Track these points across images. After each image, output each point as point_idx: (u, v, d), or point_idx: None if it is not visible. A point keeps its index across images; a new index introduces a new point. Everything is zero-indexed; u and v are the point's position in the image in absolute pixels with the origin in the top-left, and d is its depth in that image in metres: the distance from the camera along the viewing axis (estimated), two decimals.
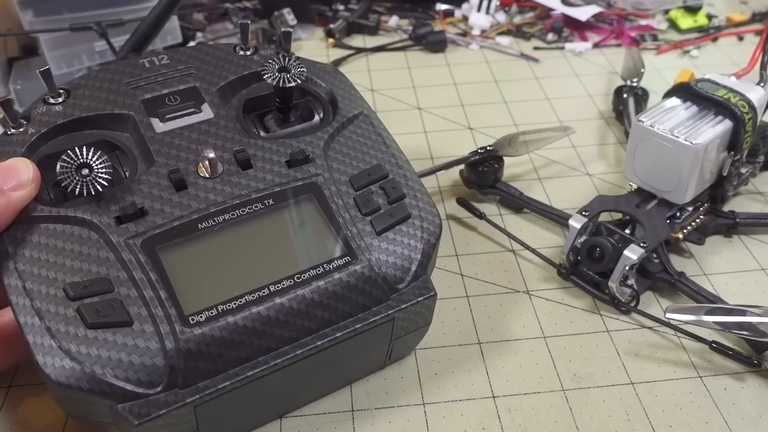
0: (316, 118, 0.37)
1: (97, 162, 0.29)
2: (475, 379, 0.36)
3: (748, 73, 0.43)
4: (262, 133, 0.36)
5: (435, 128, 0.55)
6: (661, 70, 0.62)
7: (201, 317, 0.27)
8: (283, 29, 0.37)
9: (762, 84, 0.42)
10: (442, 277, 0.42)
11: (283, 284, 0.29)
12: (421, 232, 0.32)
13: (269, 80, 0.34)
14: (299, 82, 0.34)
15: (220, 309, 0.28)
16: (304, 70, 0.35)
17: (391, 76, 0.62)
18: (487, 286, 0.41)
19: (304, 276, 0.29)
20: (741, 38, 0.68)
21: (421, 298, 0.31)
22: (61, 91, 0.34)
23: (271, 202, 0.31)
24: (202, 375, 0.27)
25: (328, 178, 0.33)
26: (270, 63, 0.35)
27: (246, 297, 0.28)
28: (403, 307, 0.31)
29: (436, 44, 0.66)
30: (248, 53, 0.38)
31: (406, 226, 0.32)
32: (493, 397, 0.35)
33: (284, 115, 0.36)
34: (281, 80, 0.34)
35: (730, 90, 0.41)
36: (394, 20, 0.70)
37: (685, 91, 0.42)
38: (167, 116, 0.34)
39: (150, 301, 0.27)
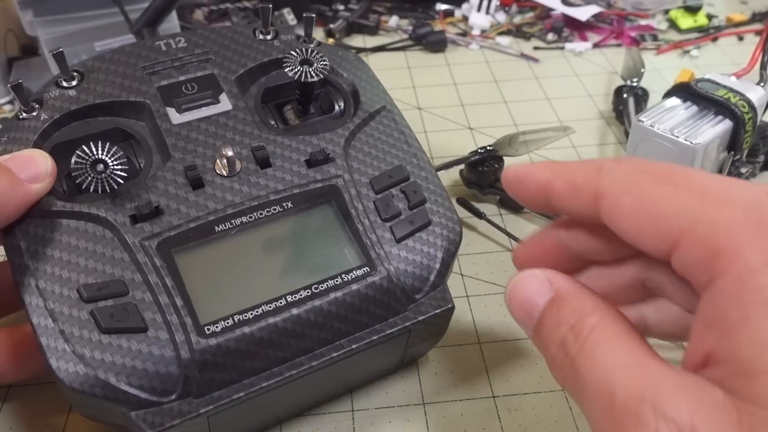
0: (337, 109, 0.36)
1: (112, 159, 0.28)
2: (475, 379, 0.36)
3: (748, 73, 0.43)
4: (281, 126, 0.35)
5: (435, 128, 0.55)
6: (661, 70, 0.62)
7: (217, 327, 0.27)
8: (305, 14, 0.36)
9: (762, 84, 0.42)
10: None
11: (300, 295, 0.28)
12: (441, 240, 0.31)
13: (291, 74, 0.33)
14: (322, 76, 0.33)
15: (236, 319, 0.27)
16: (327, 63, 0.33)
17: (391, 76, 0.62)
18: (487, 286, 0.41)
19: (321, 287, 0.29)
20: (741, 38, 0.68)
21: (439, 311, 0.30)
22: (75, 73, 0.33)
23: (289, 205, 0.30)
24: (217, 385, 0.27)
25: (348, 180, 0.31)
26: (292, 55, 0.33)
27: (263, 308, 0.28)
28: (420, 319, 0.30)
29: (436, 44, 0.66)
30: (268, 38, 0.37)
31: (426, 234, 0.31)
32: (493, 396, 0.35)
33: (304, 107, 0.35)
34: (304, 74, 0.33)
35: (730, 90, 0.41)
36: (394, 20, 0.70)
37: (685, 90, 0.42)
38: (184, 106, 0.33)
39: (165, 308, 0.27)
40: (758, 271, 0.16)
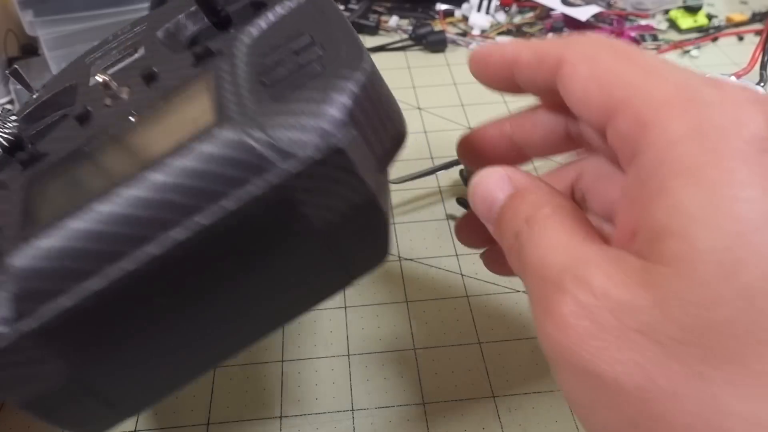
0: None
1: (2, 124, 0.28)
2: (475, 378, 0.36)
3: (748, 73, 0.43)
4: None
5: (435, 128, 0.55)
6: None
7: (41, 233, 0.22)
8: None
9: (762, 84, 0.42)
10: (442, 277, 0.42)
11: (134, 176, 0.22)
12: (337, 81, 0.22)
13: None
14: None
15: (61, 218, 0.22)
16: None
17: (391, 76, 0.62)
18: (488, 286, 0.41)
19: (159, 159, 0.22)
20: (741, 38, 0.68)
21: (320, 156, 0.21)
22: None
23: (161, 103, 0.25)
24: (46, 297, 0.22)
25: (233, 61, 0.25)
26: None
27: (92, 200, 0.22)
28: (294, 172, 0.21)
29: (436, 44, 0.66)
30: None
31: (316, 83, 0.22)
32: (493, 396, 0.35)
33: (217, 19, 0.29)
34: None
35: None
36: (394, 20, 0.70)
37: None
38: (107, 68, 0.30)
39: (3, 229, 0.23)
40: (679, 142, 0.16)
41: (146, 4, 0.46)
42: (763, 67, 0.43)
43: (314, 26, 0.26)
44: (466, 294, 0.41)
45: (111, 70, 0.30)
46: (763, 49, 0.43)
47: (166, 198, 0.22)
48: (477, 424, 0.33)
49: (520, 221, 0.20)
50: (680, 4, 0.71)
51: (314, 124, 0.21)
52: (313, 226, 0.23)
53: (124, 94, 0.27)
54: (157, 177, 0.22)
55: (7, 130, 0.28)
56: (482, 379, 0.36)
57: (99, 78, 0.26)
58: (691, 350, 0.15)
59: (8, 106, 0.30)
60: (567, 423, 0.33)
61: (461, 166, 0.47)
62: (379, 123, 0.23)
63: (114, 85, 0.27)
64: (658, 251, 0.16)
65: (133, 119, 0.25)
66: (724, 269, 0.15)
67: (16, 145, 0.27)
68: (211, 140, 0.21)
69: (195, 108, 0.23)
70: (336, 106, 0.22)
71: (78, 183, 0.24)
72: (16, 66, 0.31)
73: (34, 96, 0.33)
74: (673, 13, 0.70)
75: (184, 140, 0.22)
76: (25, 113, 0.31)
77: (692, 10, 0.69)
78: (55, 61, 0.57)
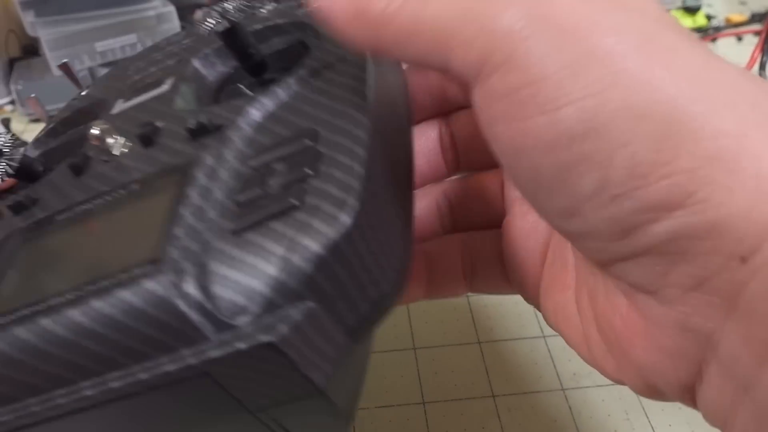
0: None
1: (9, 150, 0.27)
2: (474, 378, 0.36)
3: None
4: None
5: None
6: None
7: None
8: None
9: None
10: None
11: (57, 300, 0.20)
12: (301, 237, 0.18)
13: (203, 30, 0.26)
14: (228, 23, 0.25)
15: None
16: (249, 4, 0.25)
17: None
18: None
19: (89, 288, 0.19)
20: (740, 39, 0.68)
21: (245, 347, 0.17)
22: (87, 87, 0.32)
23: (136, 187, 0.22)
24: None
25: (222, 153, 0.22)
26: (215, 9, 0.26)
27: (18, 311, 0.20)
28: (213, 357, 0.17)
29: None
30: (263, 10, 0.30)
31: (284, 225, 0.19)
32: (493, 396, 0.35)
33: (258, 79, 0.27)
34: (207, 27, 0.25)
35: None
36: None
37: None
38: (132, 96, 0.29)
39: None
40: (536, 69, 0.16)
41: (148, 4, 0.46)
42: (762, 68, 0.43)
43: (331, 116, 0.22)
44: (466, 294, 0.41)
45: (127, 104, 0.28)
46: (762, 50, 0.43)
47: (79, 342, 0.19)
48: (477, 424, 0.34)
49: None
50: (679, 4, 0.71)
51: (261, 289, 0.18)
52: (244, 408, 0.20)
53: (119, 150, 0.25)
54: (74, 314, 0.19)
55: (13, 162, 0.27)
56: (482, 378, 0.36)
57: (95, 131, 0.24)
58: None
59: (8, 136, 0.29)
60: (567, 423, 0.34)
61: None
62: (355, 287, 0.19)
63: (110, 142, 0.25)
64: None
65: (99, 203, 0.23)
66: None
67: (21, 172, 0.27)
68: (136, 290, 0.18)
69: (147, 223, 0.21)
70: (292, 272, 0.18)
71: (23, 272, 0.22)
72: (66, 60, 0.31)
73: (83, 93, 0.32)
74: (672, 14, 0.70)
75: (114, 272, 0.19)
76: (50, 127, 0.31)
77: (691, 10, 0.69)
78: (56, 61, 0.58)
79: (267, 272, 0.18)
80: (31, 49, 0.64)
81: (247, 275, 0.18)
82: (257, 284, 0.18)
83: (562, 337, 0.23)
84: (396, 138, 0.24)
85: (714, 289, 0.15)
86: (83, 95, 0.32)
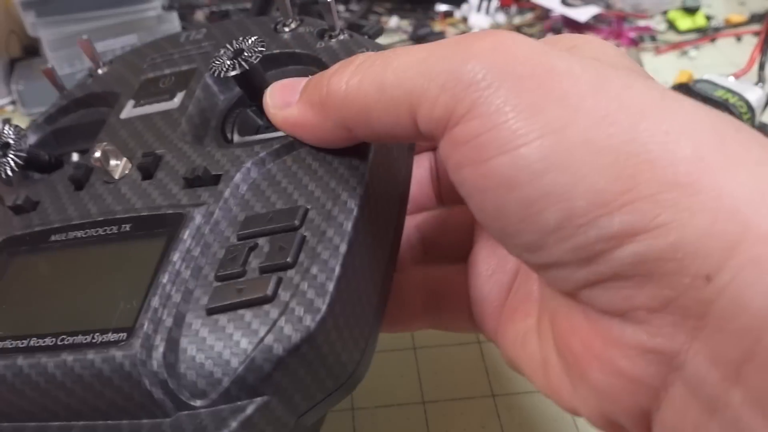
0: None
1: (16, 143, 0.27)
2: (474, 377, 0.36)
3: (746, 74, 0.43)
4: (232, 136, 0.27)
5: None
6: (660, 71, 0.62)
7: None
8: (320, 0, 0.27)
9: (760, 84, 0.43)
10: None
11: (43, 341, 0.21)
12: (267, 332, 0.19)
13: (214, 72, 0.25)
14: (245, 67, 0.24)
15: None
16: (262, 49, 0.24)
17: None
18: None
19: (66, 340, 0.21)
20: (739, 39, 0.68)
21: None
22: (104, 63, 0.33)
23: (127, 227, 0.23)
24: None
25: (212, 212, 0.22)
26: (227, 48, 0.25)
27: (1, 340, 0.22)
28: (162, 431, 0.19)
29: None
30: (286, 30, 0.29)
31: (253, 315, 0.19)
32: (493, 395, 0.35)
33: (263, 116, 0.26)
34: (220, 69, 0.24)
35: (729, 90, 0.41)
36: (394, 21, 0.71)
37: (683, 91, 0.42)
38: (142, 101, 0.29)
39: None
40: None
41: (149, 5, 0.46)
42: (761, 68, 0.43)
43: (324, 192, 0.22)
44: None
45: (136, 111, 0.29)
46: (761, 50, 0.43)
47: (49, 390, 0.21)
48: (477, 423, 0.34)
49: (359, 60, 0.20)
50: (679, 5, 0.71)
51: (222, 379, 0.19)
52: None
53: (120, 173, 0.26)
54: (49, 364, 0.20)
55: (21, 153, 0.28)
56: (482, 378, 0.36)
57: (98, 153, 0.25)
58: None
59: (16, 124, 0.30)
60: (567, 422, 0.34)
61: None
62: (313, 382, 0.20)
63: (112, 165, 0.25)
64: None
65: (92, 235, 0.24)
66: None
67: (28, 163, 0.28)
68: (106, 358, 0.20)
69: (130, 282, 0.22)
70: (252, 369, 0.19)
71: (14, 291, 0.24)
72: (51, 66, 0.32)
73: (99, 72, 0.33)
74: (671, 14, 0.70)
75: (90, 329, 0.21)
76: (62, 105, 0.32)
77: (691, 10, 0.70)
78: (56, 61, 0.58)
79: (231, 364, 0.19)
80: (31, 50, 0.64)
81: (212, 361, 0.19)
82: (219, 374, 0.19)
83: (518, 368, 0.23)
84: (388, 210, 0.24)
85: (680, 309, 0.15)
86: (99, 76, 0.33)
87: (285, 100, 0.22)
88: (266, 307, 0.19)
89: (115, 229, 0.24)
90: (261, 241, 0.21)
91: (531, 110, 0.16)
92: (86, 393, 0.20)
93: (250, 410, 0.19)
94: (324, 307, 0.19)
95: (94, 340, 0.20)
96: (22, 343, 0.21)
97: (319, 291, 0.19)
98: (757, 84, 0.42)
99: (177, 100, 0.28)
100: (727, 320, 0.14)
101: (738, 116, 0.40)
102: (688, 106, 0.16)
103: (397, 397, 0.35)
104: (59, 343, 0.21)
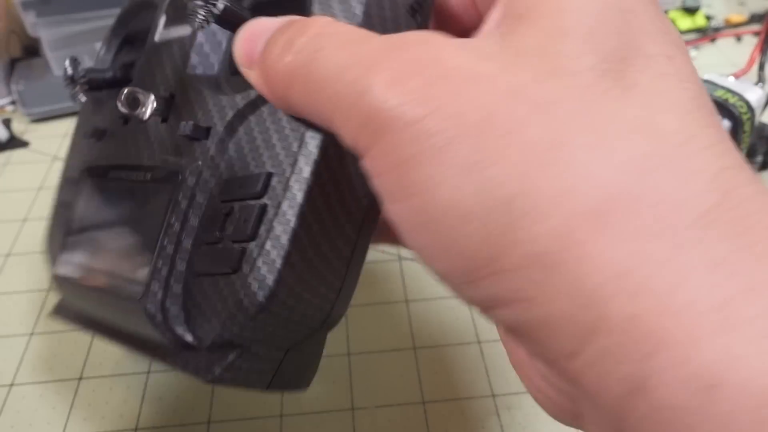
0: None
1: (80, 75, 0.29)
2: (474, 377, 0.36)
3: (746, 74, 0.43)
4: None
5: None
6: None
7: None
8: None
9: (760, 84, 0.43)
10: None
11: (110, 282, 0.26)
12: (233, 300, 0.21)
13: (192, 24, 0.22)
14: (220, 7, 0.21)
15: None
16: None
17: None
18: None
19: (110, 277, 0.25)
20: (739, 39, 0.68)
21: (182, 370, 0.23)
22: None
23: (147, 177, 0.26)
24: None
25: (201, 172, 0.23)
26: None
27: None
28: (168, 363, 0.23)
29: None
30: None
31: (225, 283, 0.22)
32: (493, 395, 0.35)
33: None
34: (196, 23, 0.21)
35: (729, 90, 0.41)
36: None
37: None
38: (169, 22, 0.28)
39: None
40: None
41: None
42: (761, 68, 0.43)
43: (286, 155, 0.22)
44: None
45: (163, 35, 0.28)
46: (761, 50, 0.43)
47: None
48: (477, 423, 0.34)
49: (304, 35, 0.18)
50: (679, 5, 0.71)
51: (206, 337, 0.22)
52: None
53: (148, 114, 0.25)
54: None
55: (83, 78, 0.29)
56: (482, 378, 0.36)
57: (122, 107, 0.25)
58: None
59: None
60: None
61: None
62: (285, 331, 0.22)
63: (138, 111, 0.25)
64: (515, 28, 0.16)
65: (131, 183, 0.26)
66: None
67: (94, 86, 0.29)
68: (133, 304, 0.23)
69: (146, 236, 0.24)
70: (227, 328, 0.22)
71: (87, 216, 0.28)
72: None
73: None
74: (671, 14, 0.70)
75: (124, 277, 0.24)
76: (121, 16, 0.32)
77: (691, 10, 0.70)
78: (56, 61, 0.58)
79: (213, 325, 0.22)
80: (32, 50, 0.64)
81: (203, 320, 0.22)
82: (205, 332, 0.22)
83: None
84: (354, 163, 0.22)
85: (562, 372, 0.15)
86: None
87: (248, 56, 0.19)
88: (233, 277, 0.21)
89: (141, 176, 0.26)
90: (236, 206, 0.22)
91: (405, 166, 0.15)
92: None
93: (232, 356, 0.22)
94: (271, 284, 0.21)
95: (124, 290, 0.24)
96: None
97: (270, 267, 0.21)
98: (757, 84, 0.42)
99: (201, 36, 0.27)
100: (593, 399, 0.14)
101: (738, 116, 0.40)
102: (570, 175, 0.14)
103: (397, 397, 0.35)
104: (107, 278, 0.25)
